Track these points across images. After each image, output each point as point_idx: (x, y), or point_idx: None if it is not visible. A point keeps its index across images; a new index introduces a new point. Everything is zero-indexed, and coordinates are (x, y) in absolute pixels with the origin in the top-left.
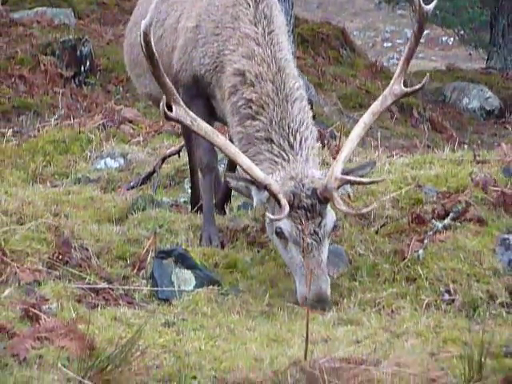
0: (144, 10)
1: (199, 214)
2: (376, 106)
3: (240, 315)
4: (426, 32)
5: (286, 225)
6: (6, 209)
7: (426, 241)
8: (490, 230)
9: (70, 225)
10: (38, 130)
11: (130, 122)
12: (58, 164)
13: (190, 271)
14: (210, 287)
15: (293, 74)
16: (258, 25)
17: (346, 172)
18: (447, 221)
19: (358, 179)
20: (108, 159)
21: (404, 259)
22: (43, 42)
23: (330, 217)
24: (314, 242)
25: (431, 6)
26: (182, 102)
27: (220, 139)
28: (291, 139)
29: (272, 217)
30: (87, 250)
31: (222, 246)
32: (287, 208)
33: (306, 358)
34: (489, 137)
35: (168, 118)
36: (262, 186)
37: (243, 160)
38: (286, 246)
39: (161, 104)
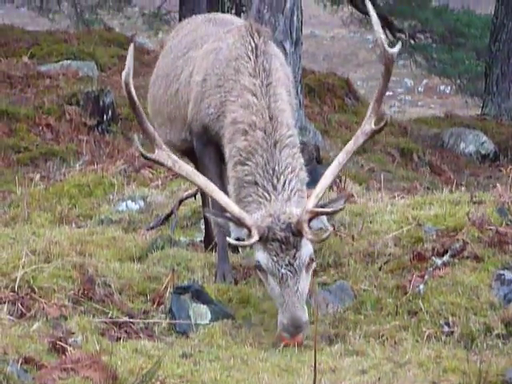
0: (164, 64)
1: (214, 252)
2: (350, 146)
3: (253, 347)
4: (424, 81)
5: (262, 258)
6: (35, 248)
7: (426, 276)
8: (486, 266)
9: (93, 263)
10: (64, 175)
11: (150, 167)
12: (83, 206)
13: (205, 306)
14: (225, 321)
15: (286, 123)
16: (256, 77)
17: (320, 206)
18: (446, 258)
19: (325, 210)
20: (129, 202)
21: (406, 294)
22: (68, 92)
23: (306, 249)
24: (289, 273)
25: (395, 50)
26: (164, 146)
27: (200, 179)
28: (274, 181)
29: (233, 242)
30: (110, 286)
31: (236, 283)
32: (255, 238)
33: None
34: (484, 179)
35: (146, 158)
36: (237, 220)
37: (221, 197)
38: (266, 279)
39: (137, 146)
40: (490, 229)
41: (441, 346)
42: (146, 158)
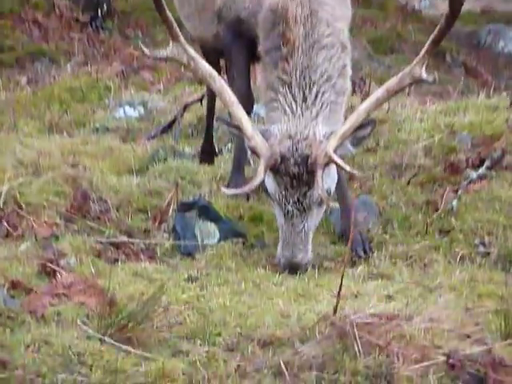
0: None
1: (222, 164)
2: (392, 85)
3: (266, 269)
4: None
5: (270, 187)
6: (22, 160)
7: (460, 191)
8: None
9: (88, 176)
10: (54, 78)
11: (150, 68)
12: (75, 113)
13: (213, 224)
14: (235, 240)
15: (326, 19)
16: None
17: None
18: (482, 170)
19: (342, 164)
20: (127, 108)
21: (437, 210)
22: None
23: (322, 186)
24: (296, 211)
25: None
26: (182, 39)
27: (216, 84)
28: (307, 91)
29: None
30: (106, 202)
31: (248, 198)
32: (259, 179)
33: (335, 313)
34: None
35: (156, 58)
36: (248, 142)
37: (235, 110)
38: (273, 204)
39: (140, 47)
40: None
41: (475, 268)
42: (155, 57)
